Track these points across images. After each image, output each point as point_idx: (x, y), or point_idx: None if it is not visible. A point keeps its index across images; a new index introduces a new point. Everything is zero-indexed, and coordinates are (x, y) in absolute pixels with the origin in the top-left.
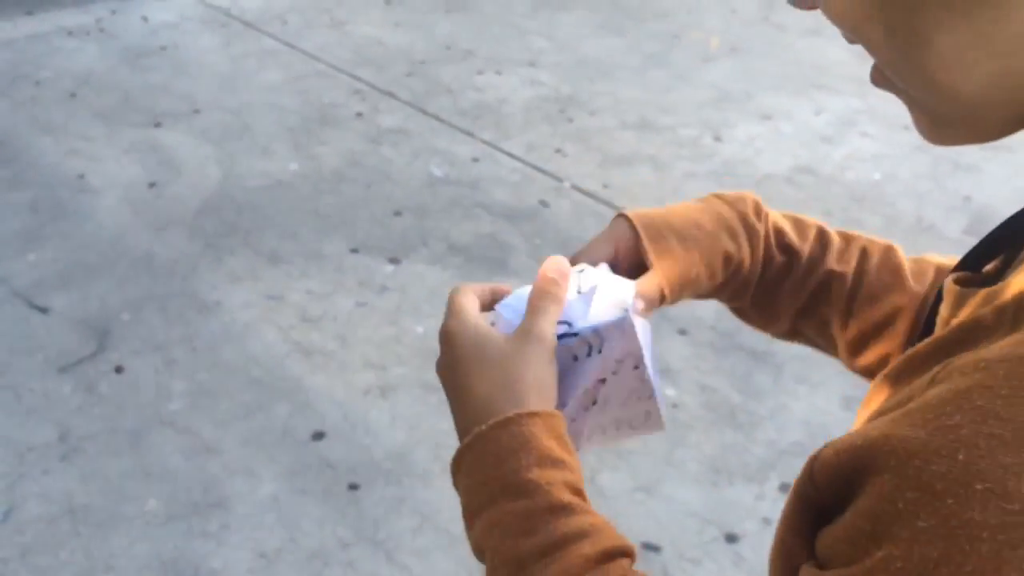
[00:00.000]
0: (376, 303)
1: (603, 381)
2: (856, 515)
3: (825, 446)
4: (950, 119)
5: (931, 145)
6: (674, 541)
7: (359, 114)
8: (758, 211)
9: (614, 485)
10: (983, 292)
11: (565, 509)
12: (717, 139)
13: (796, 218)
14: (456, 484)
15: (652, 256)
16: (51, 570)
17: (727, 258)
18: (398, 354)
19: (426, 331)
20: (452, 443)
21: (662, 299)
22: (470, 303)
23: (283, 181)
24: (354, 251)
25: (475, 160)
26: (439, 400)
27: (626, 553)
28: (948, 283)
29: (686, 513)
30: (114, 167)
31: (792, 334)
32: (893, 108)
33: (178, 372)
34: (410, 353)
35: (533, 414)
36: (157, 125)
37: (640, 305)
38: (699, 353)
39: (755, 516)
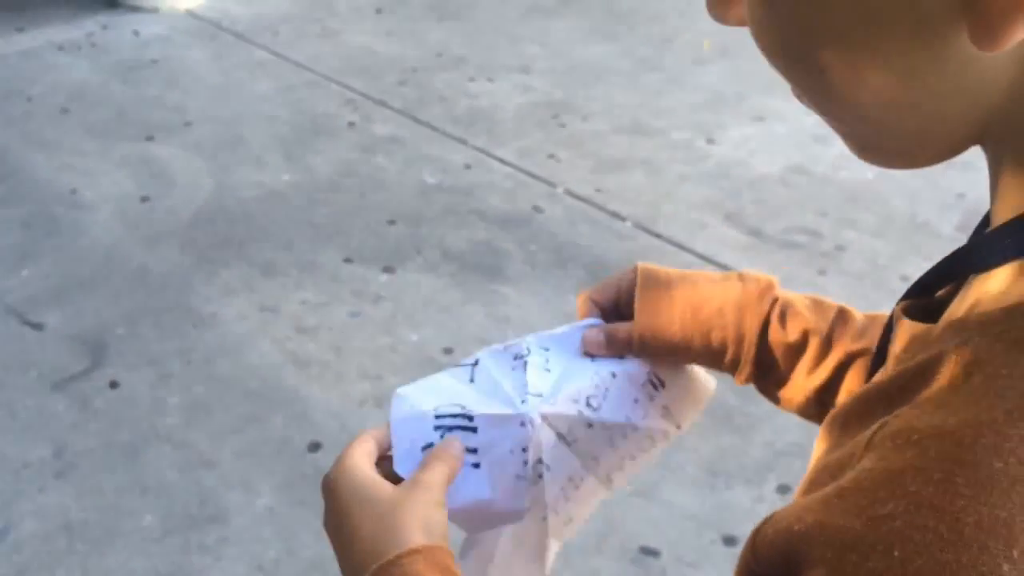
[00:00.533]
0: (371, 313)
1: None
2: None
3: (766, 521)
4: (881, 148)
5: None
6: (672, 545)
7: (351, 123)
8: (768, 289)
9: None
10: (922, 329)
11: None
12: (710, 141)
13: (815, 299)
14: None
15: (637, 301)
16: None
17: (709, 330)
18: (393, 363)
19: (421, 340)
20: None
21: (631, 344)
22: (359, 451)
23: (276, 192)
24: (348, 261)
25: (468, 167)
26: None
27: None
28: (897, 310)
29: (684, 516)
30: (107, 182)
31: (818, 417)
32: None
33: (173, 386)
34: (405, 362)
35: (414, 551)
36: (149, 139)
37: (600, 339)
38: None
39: (753, 518)
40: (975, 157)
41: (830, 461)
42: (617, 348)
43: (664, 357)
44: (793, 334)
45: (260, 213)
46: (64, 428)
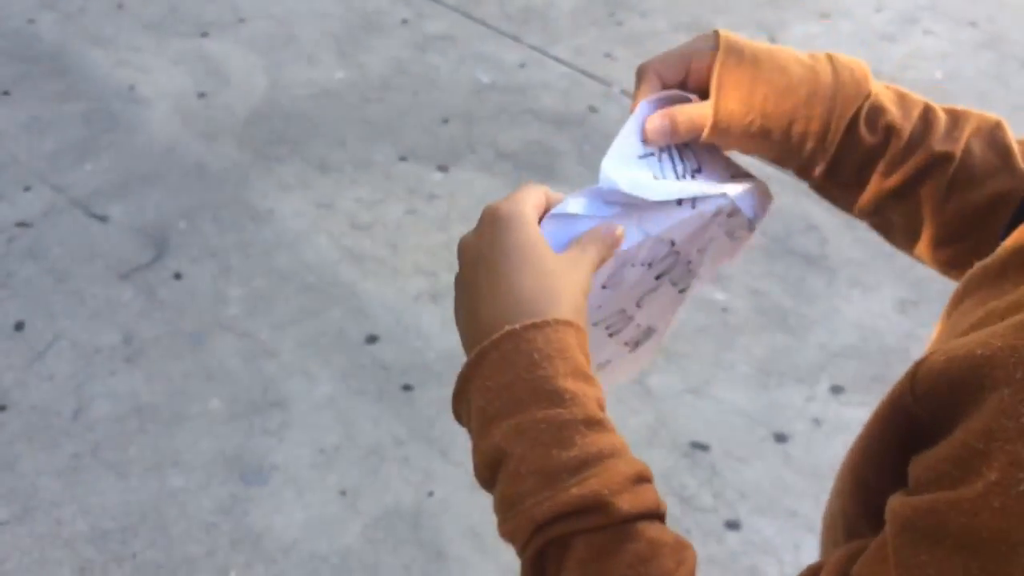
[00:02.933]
0: (425, 210)
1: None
2: (967, 433)
3: (932, 353)
4: None
5: (997, 42)
6: (722, 440)
7: (404, 20)
8: (863, 81)
9: (663, 386)
10: None
11: (599, 424)
12: (772, 39)
13: (901, 93)
14: (468, 382)
15: (715, 79)
16: (121, 464)
17: (792, 122)
18: (448, 260)
19: None
20: None
21: (699, 130)
22: (532, 203)
23: (330, 90)
24: (403, 159)
25: (522, 66)
26: None
27: (650, 479)
28: None
29: (735, 413)
30: (163, 78)
31: (872, 213)
32: (958, 3)
33: (234, 278)
34: None
35: (569, 323)
36: (204, 35)
37: (664, 126)
38: (750, 257)
39: (805, 417)
40: None
41: (998, 306)
42: (685, 135)
43: (748, 151)
44: (877, 134)
45: (314, 111)
46: (131, 316)
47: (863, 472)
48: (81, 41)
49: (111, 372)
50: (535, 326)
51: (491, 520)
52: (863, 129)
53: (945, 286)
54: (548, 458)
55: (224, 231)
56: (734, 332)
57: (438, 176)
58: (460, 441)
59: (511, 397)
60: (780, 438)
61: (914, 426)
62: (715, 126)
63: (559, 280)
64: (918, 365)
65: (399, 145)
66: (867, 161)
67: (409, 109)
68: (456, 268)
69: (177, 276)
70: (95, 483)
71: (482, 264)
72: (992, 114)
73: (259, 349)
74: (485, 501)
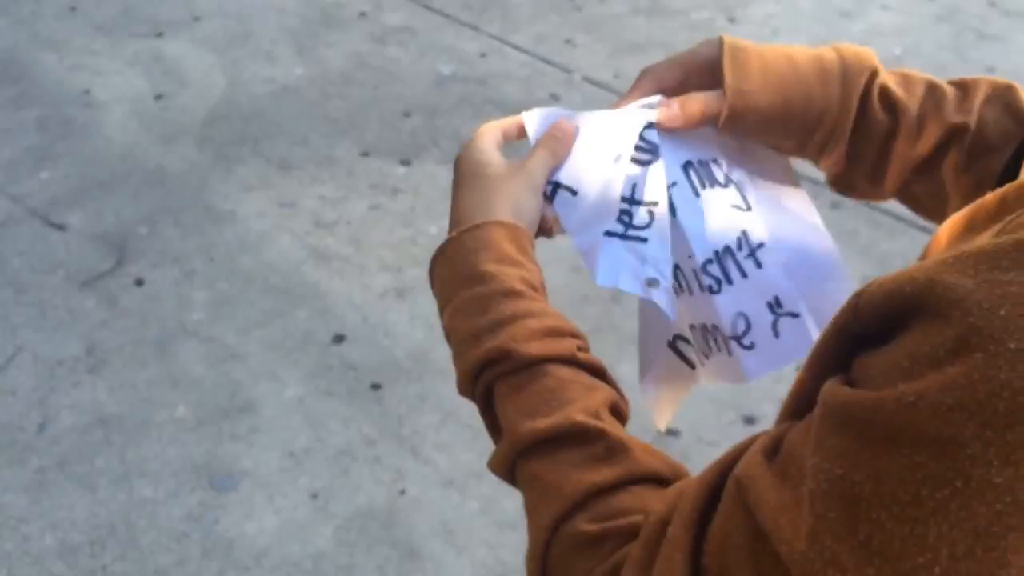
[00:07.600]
0: (389, 206)
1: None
2: (897, 349)
3: (870, 284)
4: None
5: (954, 14)
6: (693, 426)
7: (363, 13)
8: (864, 59)
9: (632, 374)
10: None
11: (516, 294)
12: (731, 20)
13: (903, 74)
14: (432, 286)
15: (725, 66)
16: (88, 477)
17: (809, 100)
18: (413, 255)
19: (440, 231)
20: None
21: (714, 117)
22: (488, 134)
23: (289, 86)
24: (365, 154)
25: (483, 56)
26: None
27: (575, 335)
28: None
29: (704, 399)
30: (119, 81)
31: (900, 192)
32: None
33: (198, 282)
34: (425, 254)
35: (497, 222)
36: (159, 35)
37: (675, 111)
38: None
39: (773, 398)
40: (1006, 28)
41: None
42: (700, 121)
43: (767, 141)
44: (888, 113)
45: (274, 109)
46: (94, 325)
47: (810, 391)
48: (33, 46)
49: (75, 383)
50: (467, 231)
51: (464, 516)
52: (876, 107)
53: (907, 262)
54: (473, 326)
55: (185, 235)
56: None
57: (401, 170)
58: (430, 439)
59: (450, 287)
60: (749, 420)
61: (859, 341)
62: (732, 109)
63: (495, 191)
64: (859, 295)
65: (361, 140)
66: (884, 141)
67: (370, 103)
68: (421, 264)
69: (139, 283)
70: (62, 497)
71: (452, 189)
72: (1003, 79)
73: (225, 353)
74: (458, 498)
